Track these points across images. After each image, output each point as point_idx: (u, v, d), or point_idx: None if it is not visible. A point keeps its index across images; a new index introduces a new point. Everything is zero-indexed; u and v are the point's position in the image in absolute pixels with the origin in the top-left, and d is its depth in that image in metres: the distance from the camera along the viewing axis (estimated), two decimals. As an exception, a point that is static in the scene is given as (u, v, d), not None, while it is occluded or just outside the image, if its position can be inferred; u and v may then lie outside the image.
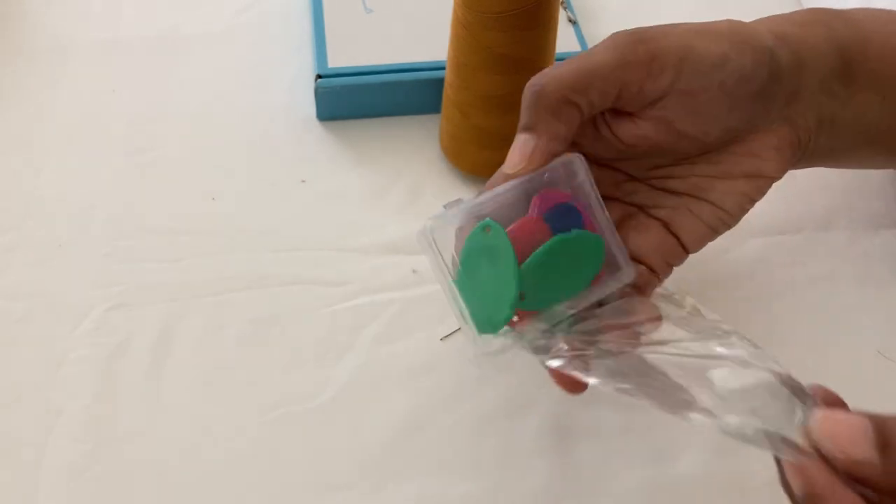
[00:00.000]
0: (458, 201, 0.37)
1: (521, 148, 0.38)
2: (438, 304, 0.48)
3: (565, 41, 0.56)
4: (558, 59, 0.52)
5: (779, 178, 0.41)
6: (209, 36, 0.63)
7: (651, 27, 0.39)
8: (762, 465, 0.43)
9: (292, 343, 0.47)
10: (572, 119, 0.38)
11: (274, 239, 0.52)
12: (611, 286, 0.38)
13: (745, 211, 0.41)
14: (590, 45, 0.58)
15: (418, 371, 0.46)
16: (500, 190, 0.37)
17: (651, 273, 0.41)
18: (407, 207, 0.54)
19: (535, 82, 0.38)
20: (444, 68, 0.53)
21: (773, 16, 0.41)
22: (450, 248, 0.37)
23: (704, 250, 0.51)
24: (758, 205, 0.53)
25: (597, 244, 0.38)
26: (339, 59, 0.57)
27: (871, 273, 0.50)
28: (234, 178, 0.55)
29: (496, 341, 0.36)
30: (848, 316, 0.49)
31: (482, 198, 0.37)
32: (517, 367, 0.46)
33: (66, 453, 0.43)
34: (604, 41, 0.38)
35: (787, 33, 0.39)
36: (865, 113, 0.41)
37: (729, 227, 0.42)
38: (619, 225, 0.41)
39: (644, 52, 0.37)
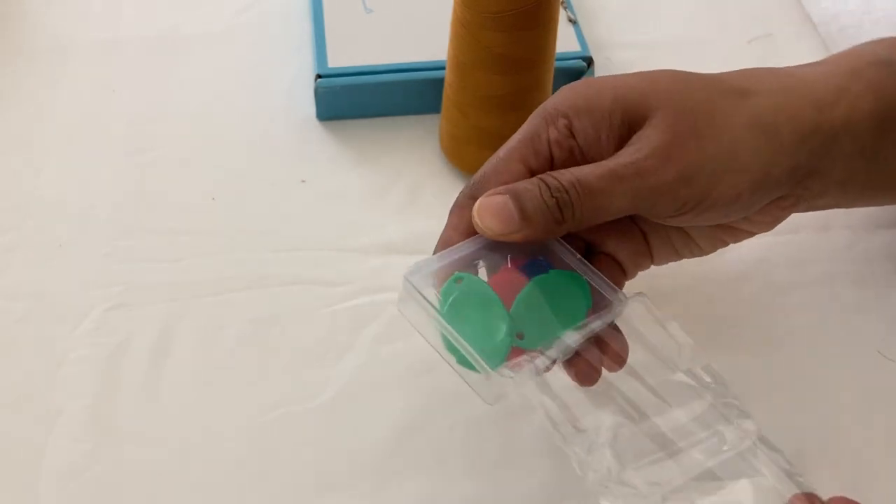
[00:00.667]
0: (421, 264, 0.37)
1: (503, 221, 0.36)
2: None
3: (565, 41, 0.56)
4: (557, 60, 0.53)
5: (765, 232, 0.41)
6: (209, 36, 0.63)
7: (690, 141, 0.36)
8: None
9: (292, 343, 0.47)
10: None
11: (274, 239, 0.52)
12: (608, 316, 0.37)
13: (716, 250, 0.42)
14: (590, 46, 0.58)
15: (418, 371, 0.46)
16: (464, 249, 0.38)
17: (620, 271, 0.41)
18: (407, 207, 0.54)
19: (572, 191, 0.36)
20: (444, 68, 0.53)
21: (819, 73, 0.39)
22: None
23: (704, 250, 0.51)
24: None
25: (577, 280, 0.38)
26: (339, 59, 0.57)
27: (870, 273, 0.50)
28: (234, 178, 0.55)
29: (508, 380, 0.35)
30: (848, 316, 0.49)
31: (444, 260, 0.38)
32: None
33: (66, 453, 0.43)
34: (649, 167, 0.36)
35: (827, 116, 0.38)
36: (884, 166, 0.40)
37: (696, 257, 0.42)
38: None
39: (679, 199, 0.36)
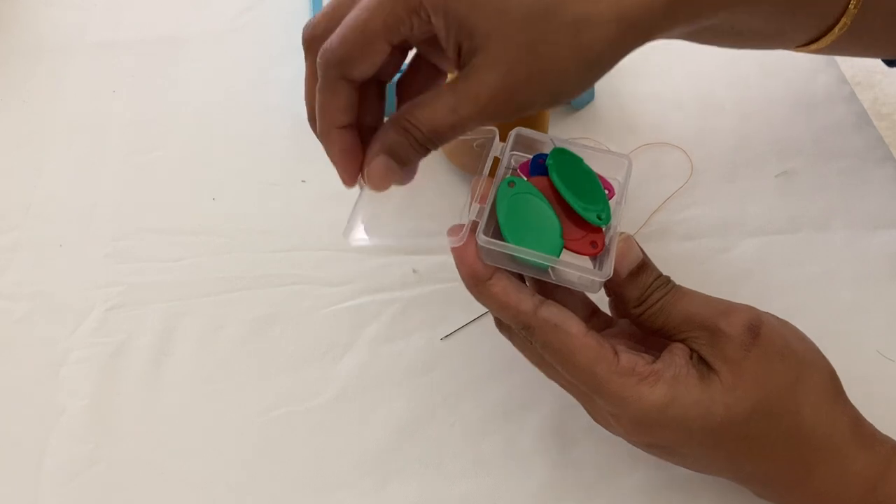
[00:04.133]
0: (467, 225, 0.39)
1: (390, 178, 0.40)
2: (438, 304, 0.49)
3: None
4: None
5: None
6: (209, 36, 0.63)
7: None
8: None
9: (292, 343, 0.48)
10: None
11: (274, 239, 0.52)
12: (623, 169, 0.40)
13: None
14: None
15: (418, 371, 0.46)
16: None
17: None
18: (407, 207, 0.54)
19: (433, 136, 0.39)
20: (443, 68, 0.53)
21: None
22: None
23: (702, 250, 0.51)
24: (756, 205, 0.53)
25: (566, 152, 0.40)
26: (338, 59, 0.57)
27: (869, 273, 0.50)
28: (234, 178, 0.55)
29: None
30: (847, 316, 0.49)
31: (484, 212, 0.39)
32: (519, 366, 0.46)
33: (66, 453, 0.43)
34: None
35: None
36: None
37: None
38: None
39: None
